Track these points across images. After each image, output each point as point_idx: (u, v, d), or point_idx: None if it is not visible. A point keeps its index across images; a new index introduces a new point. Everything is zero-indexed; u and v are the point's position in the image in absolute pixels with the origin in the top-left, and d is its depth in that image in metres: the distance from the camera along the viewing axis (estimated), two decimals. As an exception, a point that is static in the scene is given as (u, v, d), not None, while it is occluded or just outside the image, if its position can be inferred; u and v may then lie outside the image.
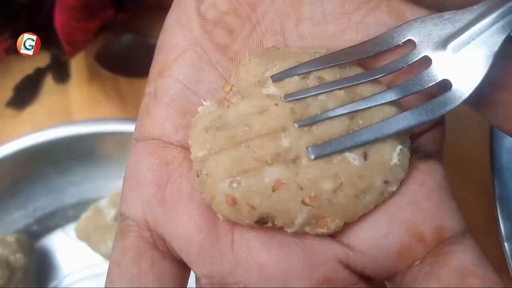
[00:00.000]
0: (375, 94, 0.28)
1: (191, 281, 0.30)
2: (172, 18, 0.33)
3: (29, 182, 0.58)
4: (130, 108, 0.64)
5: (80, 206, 0.59)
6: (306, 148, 0.27)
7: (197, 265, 0.28)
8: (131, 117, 0.58)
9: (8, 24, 0.55)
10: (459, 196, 0.56)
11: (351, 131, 0.27)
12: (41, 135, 0.55)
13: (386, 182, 0.27)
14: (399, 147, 0.28)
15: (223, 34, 0.31)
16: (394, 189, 0.28)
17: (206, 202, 0.28)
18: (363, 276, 0.28)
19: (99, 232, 0.56)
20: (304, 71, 0.28)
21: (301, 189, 0.27)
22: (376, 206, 0.28)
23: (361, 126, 0.28)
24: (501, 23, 0.26)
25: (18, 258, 0.54)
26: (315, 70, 0.29)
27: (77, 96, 0.65)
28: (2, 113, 0.64)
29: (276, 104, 0.28)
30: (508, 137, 0.30)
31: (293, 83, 0.28)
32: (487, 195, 0.50)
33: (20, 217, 0.59)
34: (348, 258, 0.28)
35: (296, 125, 0.27)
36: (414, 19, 0.28)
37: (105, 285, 0.29)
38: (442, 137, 0.31)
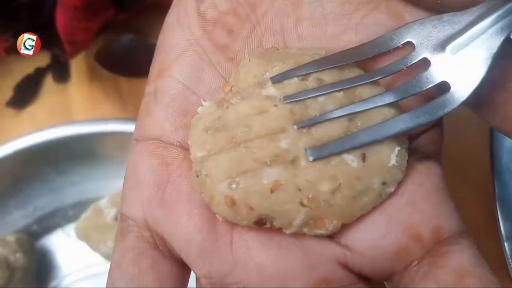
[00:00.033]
0: (373, 96, 0.28)
1: (192, 281, 0.30)
2: (172, 18, 0.33)
3: (29, 182, 0.58)
4: (130, 108, 0.64)
5: (80, 206, 0.59)
6: (305, 150, 0.27)
7: (197, 265, 0.28)
8: (131, 117, 0.58)
9: (9, 24, 0.55)
10: (459, 196, 0.56)
11: (349, 133, 0.27)
12: (41, 135, 0.55)
13: (384, 183, 0.27)
14: (397, 148, 0.28)
15: (222, 34, 0.31)
16: (392, 190, 0.28)
17: (205, 202, 0.28)
18: (361, 276, 0.28)
19: (99, 232, 0.56)
20: (303, 73, 0.28)
21: (300, 190, 0.27)
22: (374, 207, 0.28)
23: (359, 128, 0.28)
24: (499, 24, 0.26)
25: (18, 258, 0.54)
26: (314, 72, 0.29)
27: (77, 96, 0.65)
28: (2, 113, 0.64)
29: (275, 105, 0.28)
30: (508, 137, 0.30)
31: (292, 85, 0.28)
32: (487, 195, 0.50)
33: (20, 217, 0.59)
34: (346, 258, 0.28)
35: (295, 127, 0.27)
36: (413, 21, 0.28)
37: (106, 286, 0.29)
38: (440, 138, 0.31)
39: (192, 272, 0.30)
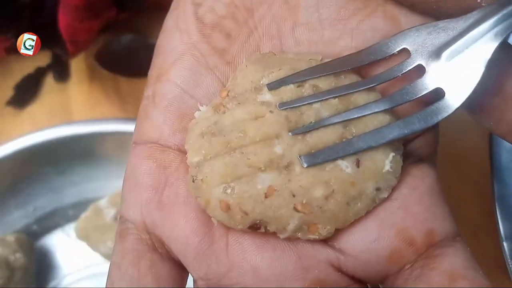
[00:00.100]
0: (369, 103, 0.28)
1: (190, 283, 0.30)
2: (170, 21, 0.33)
3: (29, 182, 0.58)
4: (130, 107, 0.64)
5: (80, 206, 0.59)
6: (299, 156, 0.27)
7: (194, 267, 0.29)
8: (131, 117, 0.58)
9: (10, 24, 0.55)
10: (458, 196, 0.56)
11: (344, 139, 0.28)
12: (41, 135, 0.55)
13: (378, 189, 0.28)
14: (391, 154, 0.28)
15: (220, 38, 0.31)
16: (386, 196, 0.28)
17: (201, 207, 0.28)
18: (355, 279, 0.29)
19: (98, 232, 0.56)
20: (299, 80, 0.29)
21: (293, 196, 0.27)
22: (367, 212, 0.28)
23: (354, 134, 0.28)
24: (493, 31, 0.26)
25: (18, 257, 0.54)
26: (310, 79, 0.29)
27: (77, 95, 0.65)
28: (2, 112, 0.65)
29: (271, 111, 0.28)
30: (504, 139, 0.30)
31: (288, 91, 0.28)
32: (487, 195, 0.50)
33: (20, 216, 0.59)
34: (340, 261, 0.28)
35: (290, 133, 0.28)
36: (409, 28, 0.28)
37: (106, 286, 0.30)
38: (435, 140, 0.31)
39: (190, 274, 0.30)
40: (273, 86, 0.29)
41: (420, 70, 0.28)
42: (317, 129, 0.28)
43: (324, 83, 0.29)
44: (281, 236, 0.28)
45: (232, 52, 0.31)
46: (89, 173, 0.60)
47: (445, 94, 0.27)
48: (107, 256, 0.57)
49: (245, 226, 0.27)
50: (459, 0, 0.27)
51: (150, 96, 0.31)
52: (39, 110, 0.65)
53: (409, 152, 0.30)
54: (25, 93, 0.65)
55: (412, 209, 0.28)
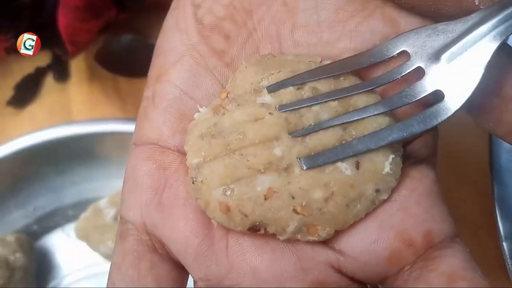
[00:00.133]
0: (368, 105, 0.28)
1: (190, 283, 0.30)
2: (170, 22, 0.33)
3: (29, 182, 0.58)
4: (130, 107, 0.64)
5: (80, 206, 0.59)
6: (299, 158, 0.27)
7: (194, 268, 0.29)
8: (131, 117, 0.58)
9: (11, 24, 0.55)
10: (458, 196, 0.56)
11: (343, 142, 0.28)
12: (41, 135, 0.55)
13: (377, 190, 0.28)
14: (391, 156, 0.28)
15: (219, 40, 0.31)
16: (385, 198, 0.28)
17: (201, 208, 0.28)
18: (354, 280, 0.29)
19: (98, 232, 0.57)
20: (299, 83, 0.29)
21: (293, 197, 0.27)
22: (367, 213, 0.28)
23: (354, 137, 0.28)
24: (492, 33, 0.26)
25: (17, 257, 0.54)
26: (310, 81, 0.29)
27: (77, 95, 0.65)
28: (2, 112, 0.65)
29: (270, 113, 0.28)
30: (503, 140, 0.30)
31: (288, 94, 0.29)
32: (486, 195, 0.50)
33: (20, 216, 0.59)
34: (339, 263, 0.28)
35: (289, 136, 0.28)
36: (408, 31, 0.29)
37: (106, 287, 0.30)
38: (434, 141, 0.31)
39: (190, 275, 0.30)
40: (273, 88, 0.29)
41: (419, 73, 0.28)
42: (316, 131, 0.28)
43: (323, 86, 0.29)
44: (281, 237, 0.28)
45: (231, 54, 0.31)
46: (89, 173, 0.60)
47: (445, 96, 0.27)
48: (107, 256, 0.57)
49: (245, 227, 0.28)
50: (457, 2, 0.27)
51: (150, 97, 0.32)
52: (39, 110, 0.65)
53: (408, 153, 0.30)
54: (25, 93, 0.65)
55: (411, 210, 0.28)
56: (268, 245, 0.28)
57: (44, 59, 0.65)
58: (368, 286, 0.29)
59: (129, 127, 0.54)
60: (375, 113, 0.28)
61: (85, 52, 0.64)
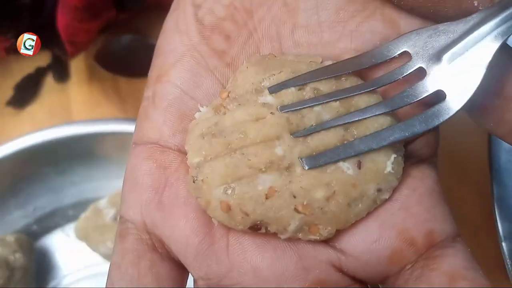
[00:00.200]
0: (370, 106, 0.28)
1: (190, 283, 0.30)
2: (170, 22, 0.33)
3: (29, 182, 0.58)
4: (130, 108, 0.64)
5: (80, 206, 0.59)
6: (301, 159, 0.27)
7: (194, 267, 0.29)
8: (131, 117, 0.58)
9: (11, 24, 0.55)
10: (457, 196, 0.56)
11: (345, 142, 0.28)
12: (41, 135, 0.55)
13: (379, 190, 0.28)
14: (393, 155, 0.28)
15: (220, 40, 0.31)
16: (387, 197, 0.28)
17: (201, 207, 0.28)
18: (356, 279, 0.29)
19: (98, 232, 0.56)
20: (300, 83, 0.29)
21: (294, 197, 0.27)
22: (368, 213, 0.28)
23: (355, 137, 0.28)
24: (494, 33, 0.26)
25: (17, 258, 0.54)
26: (311, 82, 0.29)
27: (77, 95, 0.65)
28: (2, 112, 0.65)
29: (272, 113, 0.28)
30: (503, 140, 0.31)
31: (289, 94, 0.29)
32: (485, 195, 0.50)
33: (19, 217, 0.59)
34: (341, 262, 0.28)
35: (291, 136, 0.28)
36: (410, 32, 0.29)
37: (106, 286, 0.30)
38: (436, 141, 0.31)
39: (190, 274, 0.30)
40: (274, 89, 0.29)
41: (421, 73, 0.28)
42: (318, 131, 0.28)
43: (325, 86, 0.29)
44: (282, 236, 0.28)
45: (231, 54, 0.31)
46: (89, 173, 0.60)
47: (446, 97, 0.27)
48: (106, 257, 0.57)
49: (246, 226, 0.28)
50: (457, 4, 0.27)
51: (150, 97, 0.32)
52: (39, 110, 0.65)
53: (409, 153, 0.30)
54: (25, 93, 0.65)
55: (413, 210, 0.28)
56: (269, 244, 0.28)
57: (44, 59, 0.65)
58: (369, 286, 0.29)
59: (129, 127, 0.54)
60: (377, 113, 0.28)
61: (85, 52, 0.64)
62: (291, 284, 0.28)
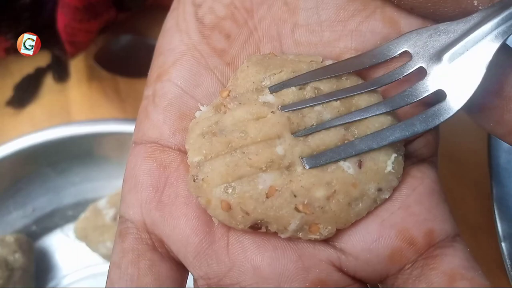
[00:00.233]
0: (370, 105, 0.28)
1: (190, 282, 0.30)
2: (170, 22, 0.33)
3: (28, 182, 0.58)
4: (129, 108, 0.64)
5: (79, 206, 0.59)
6: (302, 158, 0.27)
7: (194, 266, 0.29)
8: (130, 117, 0.58)
9: (11, 24, 0.55)
10: (457, 196, 0.56)
11: (346, 141, 0.28)
12: (40, 135, 0.55)
13: (379, 189, 0.28)
14: (394, 155, 0.28)
15: (220, 39, 0.31)
16: (387, 197, 0.28)
17: (202, 206, 0.28)
18: (356, 279, 0.29)
19: (97, 232, 0.56)
20: (301, 83, 0.29)
21: (295, 196, 0.27)
22: (368, 212, 0.28)
23: (356, 136, 0.28)
24: (494, 33, 0.26)
25: (17, 258, 0.54)
26: (312, 81, 0.29)
27: (76, 96, 0.66)
28: (1, 112, 0.65)
29: (272, 112, 0.28)
30: (502, 140, 0.31)
31: (290, 94, 0.29)
32: (485, 195, 0.50)
33: (19, 217, 0.59)
34: (341, 261, 0.28)
35: (292, 135, 0.28)
36: (410, 31, 0.29)
37: (105, 286, 0.30)
38: (436, 140, 0.31)
39: (190, 273, 0.30)
40: (275, 88, 0.29)
41: (421, 73, 0.28)
42: (319, 131, 0.28)
43: (326, 86, 0.29)
44: (282, 236, 0.28)
45: (232, 53, 0.31)
46: (88, 173, 0.60)
47: (447, 96, 0.27)
48: (106, 257, 0.57)
49: (246, 225, 0.28)
50: (456, 3, 0.27)
51: (150, 96, 0.32)
52: (38, 110, 0.65)
53: (409, 153, 0.30)
54: (25, 93, 0.65)
55: (413, 209, 0.28)
56: (269, 243, 0.28)
57: (44, 60, 0.65)
58: (368, 286, 0.29)
59: (128, 127, 0.54)
60: (377, 112, 0.28)
61: (85, 52, 0.64)
62: (291, 283, 0.28)
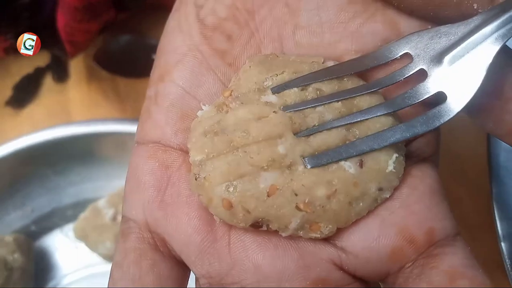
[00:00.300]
0: (371, 107, 0.29)
1: (191, 281, 0.30)
2: (172, 23, 0.33)
3: (28, 182, 0.58)
4: (129, 108, 0.64)
5: (79, 206, 0.59)
6: (303, 158, 0.28)
7: (196, 265, 0.29)
8: (130, 117, 0.58)
9: (10, 24, 0.55)
10: (456, 195, 0.57)
11: (347, 142, 0.28)
12: (40, 135, 0.55)
13: (380, 189, 0.28)
14: (395, 155, 0.28)
15: (222, 40, 0.32)
16: (388, 196, 0.28)
17: (203, 205, 0.29)
18: (356, 277, 0.29)
19: (97, 232, 0.56)
20: (303, 83, 0.29)
21: (296, 195, 0.27)
22: (369, 211, 0.28)
23: (357, 137, 0.28)
24: (494, 35, 0.27)
25: (16, 258, 0.54)
26: (314, 82, 0.29)
27: (76, 96, 0.66)
28: (1, 113, 0.65)
29: (274, 112, 0.28)
30: (502, 141, 0.31)
31: (292, 94, 0.29)
32: (484, 194, 0.50)
33: (18, 217, 0.59)
34: (341, 260, 0.28)
35: (293, 135, 0.28)
36: (411, 33, 0.29)
37: (107, 286, 0.30)
38: (436, 140, 0.31)
39: (191, 273, 0.30)
40: (278, 89, 0.29)
41: (422, 75, 0.28)
42: (320, 131, 0.28)
43: (327, 87, 0.29)
44: (283, 234, 0.28)
45: (233, 54, 0.32)
46: (87, 173, 0.60)
47: (447, 98, 0.28)
48: (105, 257, 0.57)
49: (247, 224, 0.28)
50: (456, 6, 0.27)
51: (153, 96, 0.32)
52: (38, 110, 0.65)
53: (410, 152, 0.30)
54: (24, 93, 0.65)
55: (413, 208, 0.28)
56: (271, 242, 0.28)
57: (43, 60, 0.65)
58: (369, 284, 0.30)
59: (128, 127, 0.55)
60: (378, 114, 0.28)
61: (84, 52, 0.64)
62: (292, 282, 0.28)
